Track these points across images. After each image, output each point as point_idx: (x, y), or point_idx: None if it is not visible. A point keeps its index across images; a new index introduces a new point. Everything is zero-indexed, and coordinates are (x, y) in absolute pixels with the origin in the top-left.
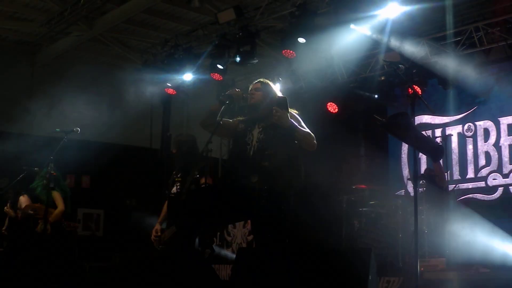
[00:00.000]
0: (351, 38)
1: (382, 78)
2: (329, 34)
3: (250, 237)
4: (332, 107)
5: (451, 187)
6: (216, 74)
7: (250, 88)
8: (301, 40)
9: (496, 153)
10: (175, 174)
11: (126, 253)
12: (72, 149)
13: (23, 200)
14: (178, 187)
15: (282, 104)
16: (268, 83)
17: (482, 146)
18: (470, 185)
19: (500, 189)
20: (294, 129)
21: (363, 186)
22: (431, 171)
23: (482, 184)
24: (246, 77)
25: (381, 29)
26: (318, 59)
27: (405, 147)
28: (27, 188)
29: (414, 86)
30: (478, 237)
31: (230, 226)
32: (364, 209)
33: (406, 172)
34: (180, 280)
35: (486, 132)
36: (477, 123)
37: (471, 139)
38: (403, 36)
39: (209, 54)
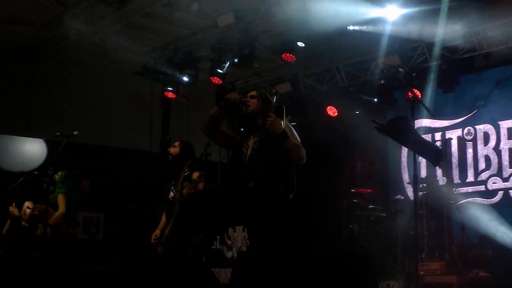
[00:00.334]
0: None
1: (382, 81)
2: None
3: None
4: (332, 111)
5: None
6: (215, 78)
7: (246, 96)
8: (301, 44)
9: (496, 157)
10: (170, 180)
11: (126, 257)
12: (71, 152)
13: (27, 204)
14: (172, 190)
15: (278, 112)
16: (263, 91)
17: (482, 150)
18: (470, 189)
19: (500, 193)
20: (284, 138)
21: (362, 190)
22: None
23: (482, 188)
24: (245, 81)
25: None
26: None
27: (404, 151)
28: (32, 193)
29: (414, 89)
30: None
31: (230, 230)
32: (363, 213)
33: (406, 176)
34: (180, 284)
35: (486, 136)
36: (477, 126)
37: (471, 142)
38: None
39: (209, 58)
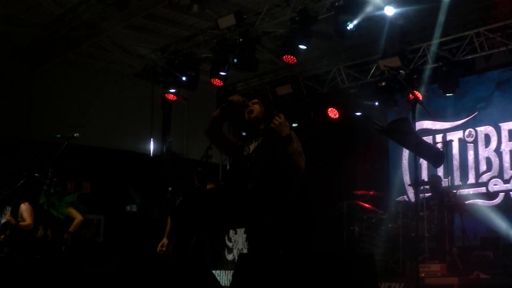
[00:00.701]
0: None
1: (383, 83)
2: None
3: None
4: (333, 113)
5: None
6: (216, 79)
7: (249, 104)
8: (302, 46)
9: (497, 159)
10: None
11: (126, 259)
12: (72, 154)
13: (24, 208)
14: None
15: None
16: (265, 97)
17: (483, 152)
18: (471, 191)
19: (501, 195)
20: (288, 141)
21: (363, 191)
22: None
23: (483, 189)
24: (246, 82)
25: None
26: None
27: (406, 153)
28: (28, 196)
29: (414, 91)
30: None
31: (231, 232)
32: (364, 214)
33: (407, 178)
34: (181, 286)
35: (487, 138)
36: (478, 128)
37: (472, 144)
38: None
39: (210, 60)
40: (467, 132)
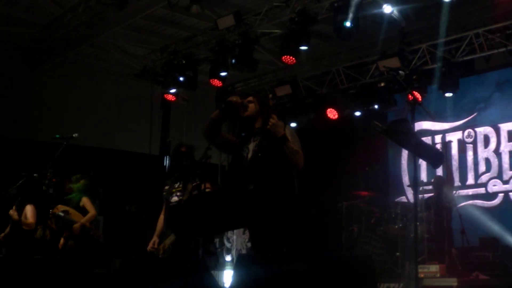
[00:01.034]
0: None
1: (382, 84)
2: None
3: (250, 244)
4: (332, 113)
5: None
6: (215, 80)
7: (244, 101)
8: (303, 47)
9: (496, 160)
10: (172, 184)
11: (126, 259)
12: (71, 155)
13: (29, 208)
14: (179, 195)
15: (280, 115)
16: (261, 95)
17: (482, 153)
18: (470, 192)
19: (501, 196)
20: (284, 142)
21: (362, 192)
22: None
23: (482, 190)
24: (245, 83)
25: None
26: None
27: (405, 154)
28: (33, 197)
29: (414, 92)
30: None
31: (229, 233)
32: (363, 215)
33: (406, 178)
34: (180, 286)
35: (486, 139)
36: (477, 129)
37: (471, 145)
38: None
39: (209, 60)
40: (466, 132)
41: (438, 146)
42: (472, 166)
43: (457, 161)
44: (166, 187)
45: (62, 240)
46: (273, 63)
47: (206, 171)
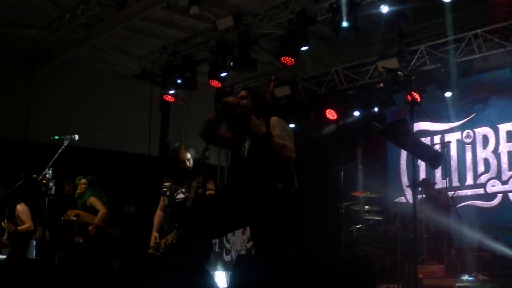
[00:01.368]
0: None
1: (381, 85)
2: None
3: (249, 244)
4: (331, 114)
5: (450, 193)
6: (214, 81)
7: (237, 97)
8: (304, 48)
9: (495, 160)
10: (174, 181)
11: (125, 259)
12: (70, 156)
13: (20, 209)
14: (184, 192)
15: (259, 112)
16: (253, 90)
17: (481, 153)
18: (469, 192)
19: (499, 196)
20: (268, 139)
21: (362, 193)
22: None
23: (481, 191)
24: (245, 84)
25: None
26: None
27: (404, 154)
28: (24, 196)
29: (412, 92)
30: None
31: (229, 234)
32: (362, 216)
33: (405, 179)
34: (179, 287)
35: (485, 139)
36: (476, 130)
37: (470, 146)
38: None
39: (208, 61)
40: (465, 133)
41: (437, 147)
42: (471, 167)
43: (456, 161)
44: (166, 184)
45: (81, 240)
46: (272, 64)
47: (206, 170)
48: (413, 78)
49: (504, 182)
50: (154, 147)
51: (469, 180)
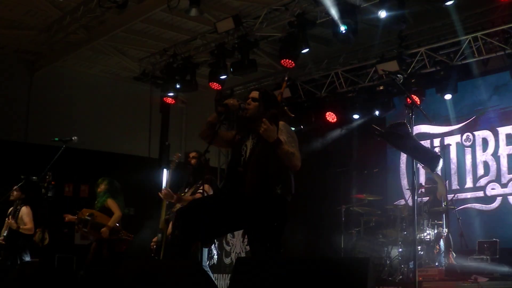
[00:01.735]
0: None
1: (381, 87)
2: None
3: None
4: (331, 117)
5: (449, 196)
6: (214, 83)
7: (248, 97)
8: (304, 50)
9: (494, 163)
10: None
11: (125, 262)
12: (70, 158)
13: (26, 211)
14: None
15: (273, 118)
16: (267, 93)
17: (481, 156)
18: (468, 195)
19: (499, 199)
20: (278, 145)
21: (361, 195)
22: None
23: (480, 194)
24: (245, 86)
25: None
26: None
27: (404, 157)
28: (29, 199)
29: (412, 95)
30: None
31: (229, 236)
32: (362, 218)
33: (405, 182)
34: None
35: (485, 142)
36: (475, 133)
37: (470, 148)
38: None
39: (208, 64)
40: (464, 136)
41: (437, 150)
42: (471, 170)
43: (455, 164)
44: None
45: (93, 245)
46: (272, 67)
47: (203, 173)
48: (412, 81)
49: (504, 185)
50: (154, 149)
51: (469, 183)
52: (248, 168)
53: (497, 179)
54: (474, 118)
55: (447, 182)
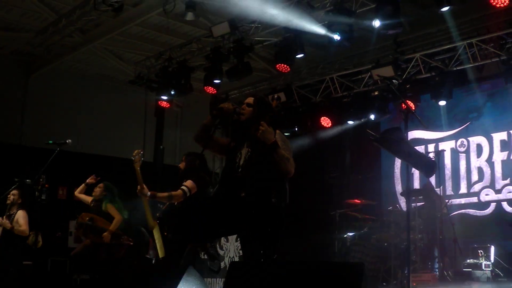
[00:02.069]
0: None
1: (376, 93)
2: None
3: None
4: (326, 122)
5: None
6: (210, 87)
7: (243, 104)
8: (300, 55)
9: (489, 169)
10: None
11: (119, 265)
12: (64, 161)
13: (21, 214)
14: None
15: (272, 122)
16: (262, 98)
17: (475, 162)
18: (462, 201)
19: (493, 205)
20: (274, 149)
21: (355, 200)
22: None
23: (474, 199)
24: (240, 90)
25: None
26: None
27: (398, 163)
28: (25, 203)
29: (407, 101)
30: None
31: (223, 240)
32: (356, 224)
33: (399, 187)
34: None
35: (479, 148)
36: (470, 138)
37: (464, 154)
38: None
39: (203, 68)
40: (459, 142)
41: (431, 155)
42: (465, 175)
43: (450, 170)
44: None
45: (89, 244)
46: (268, 71)
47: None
48: (407, 86)
49: (498, 191)
50: (148, 153)
51: (463, 189)
52: (242, 174)
53: (491, 185)
54: (468, 124)
55: (441, 187)
